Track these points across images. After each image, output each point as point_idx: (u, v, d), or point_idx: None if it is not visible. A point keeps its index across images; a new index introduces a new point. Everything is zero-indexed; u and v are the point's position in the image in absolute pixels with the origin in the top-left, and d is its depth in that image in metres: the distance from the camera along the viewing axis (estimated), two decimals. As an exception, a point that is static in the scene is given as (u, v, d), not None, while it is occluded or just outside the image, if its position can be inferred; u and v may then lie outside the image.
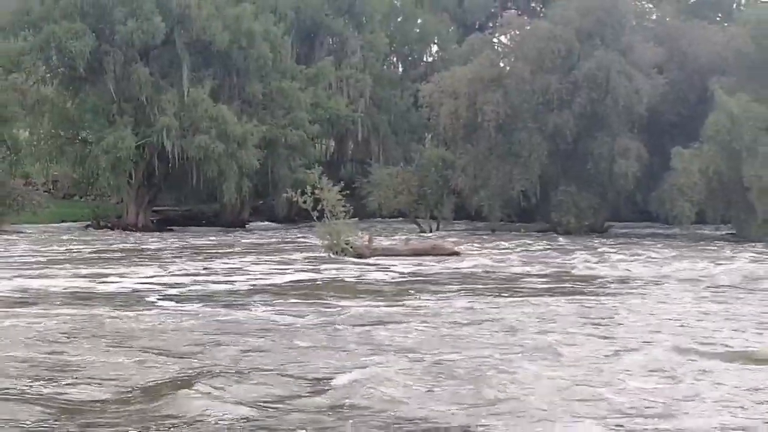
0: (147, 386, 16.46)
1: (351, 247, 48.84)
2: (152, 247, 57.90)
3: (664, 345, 21.00)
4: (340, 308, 27.89)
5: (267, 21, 78.59)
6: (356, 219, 54.05)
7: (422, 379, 17.08)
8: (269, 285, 35.70)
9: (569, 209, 70.39)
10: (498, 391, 16.09)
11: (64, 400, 15.52)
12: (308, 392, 16.11)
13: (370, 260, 47.02)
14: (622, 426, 13.95)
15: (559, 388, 16.23)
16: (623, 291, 32.57)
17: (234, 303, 29.41)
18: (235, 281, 36.72)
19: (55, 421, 14.28)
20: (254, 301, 29.92)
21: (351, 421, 14.43)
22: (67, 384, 16.82)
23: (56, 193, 79.64)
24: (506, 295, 31.61)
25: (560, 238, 64.97)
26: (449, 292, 32.46)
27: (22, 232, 66.82)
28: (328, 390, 16.20)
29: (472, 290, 33.03)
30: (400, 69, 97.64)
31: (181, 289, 33.36)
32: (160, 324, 24.41)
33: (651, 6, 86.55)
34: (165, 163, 74.51)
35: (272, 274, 40.06)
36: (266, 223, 78.50)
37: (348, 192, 54.21)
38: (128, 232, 70.74)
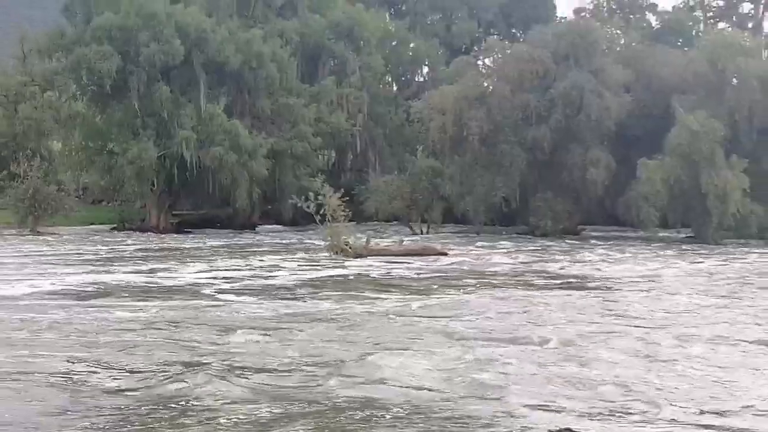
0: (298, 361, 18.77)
1: (350, 248, 50.46)
2: (187, 246, 59.45)
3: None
4: (385, 300, 30.14)
5: (275, 44, 79.68)
6: (355, 222, 56.04)
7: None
8: (309, 279, 37.51)
9: (546, 213, 71.18)
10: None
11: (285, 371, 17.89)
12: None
13: (387, 258, 48.67)
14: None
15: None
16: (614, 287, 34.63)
17: (289, 296, 31.27)
18: (277, 276, 38.64)
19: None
20: (304, 294, 31.64)
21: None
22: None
23: (86, 199, 79.65)
24: (521, 288, 33.84)
25: (538, 240, 65.86)
26: (468, 286, 34.46)
27: (56, 234, 67.84)
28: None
29: (489, 284, 35.13)
30: (395, 88, 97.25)
31: (235, 284, 35.15)
32: (251, 313, 26.53)
33: (619, 32, 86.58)
34: (183, 171, 75.29)
35: (305, 270, 41.89)
36: (274, 225, 78.51)
37: (347, 198, 55.55)
38: (151, 233, 71.61)
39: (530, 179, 73.21)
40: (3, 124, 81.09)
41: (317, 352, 19.73)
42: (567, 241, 65.75)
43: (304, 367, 17.98)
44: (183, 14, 75.45)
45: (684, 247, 61.89)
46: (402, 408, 14.80)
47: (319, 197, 51.87)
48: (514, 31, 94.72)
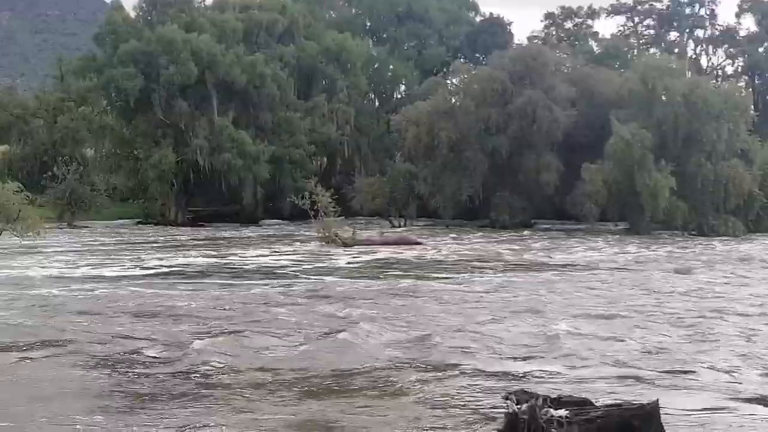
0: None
1: (339, 239, 50.88)
2: (226, 236, 61.09)
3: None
4: (445, 279, 32.16)
5: (275, 67, 79.77)
6: (343, 217, 56.33)
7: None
8: (363, 262, 39.53)
9: (504, 209, 71.46)
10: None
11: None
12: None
13: (425, 246, 50.06)
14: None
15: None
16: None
17: (360, 275, 33.13)
18: (337, 261, 40.77)
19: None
20: (376, 273, 33.65)
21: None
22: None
23: (114, 197, 79.28)
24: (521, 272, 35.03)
25: (498, 232, 65.94)
26: (475, 270, 36.28)
27: (89, 227, 68.20)
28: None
29: (480, 268, 36.99)
30: (376, 103, 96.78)
31: (307, 266, 37.41)
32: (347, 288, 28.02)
33: (566, 55, 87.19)
34: (198, 174, 75.93)
35: (345, 255, 43.90)
36: (275, 220, 78.29)
37: (336, 196, 56.45)
38: (170, 227, 71.55)
39: (491, 180, 73.11)
40: (44, 133, 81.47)
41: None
42: (523, 232, 65.88)
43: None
44: (197, 41, 75.56)
45: (621, 237, 62.37)
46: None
47: (313, 196, 52.61)
48: (477, 55, 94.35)
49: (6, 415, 12.83)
